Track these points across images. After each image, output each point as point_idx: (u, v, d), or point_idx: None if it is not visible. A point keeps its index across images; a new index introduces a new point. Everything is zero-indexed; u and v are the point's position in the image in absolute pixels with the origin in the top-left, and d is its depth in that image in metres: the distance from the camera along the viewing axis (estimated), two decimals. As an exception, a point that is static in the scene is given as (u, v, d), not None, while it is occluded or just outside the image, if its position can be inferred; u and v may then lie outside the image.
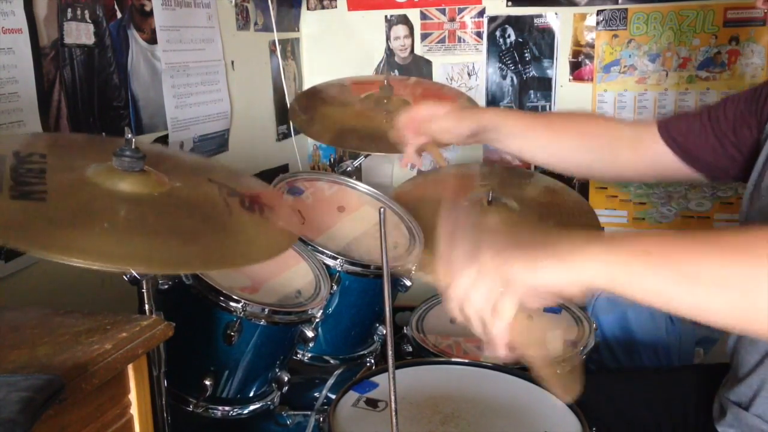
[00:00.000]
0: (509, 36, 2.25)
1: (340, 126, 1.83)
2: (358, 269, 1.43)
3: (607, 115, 2.12)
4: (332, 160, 2.51)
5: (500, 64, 2.27)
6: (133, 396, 0.86)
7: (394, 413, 0.87)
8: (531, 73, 2.25)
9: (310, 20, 2.43)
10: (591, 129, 1.21)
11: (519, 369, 1.28)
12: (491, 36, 2.26)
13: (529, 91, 2.26)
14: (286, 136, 2.30)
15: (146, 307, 1.01)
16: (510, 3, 2.22)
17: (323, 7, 2.41)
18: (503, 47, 2.26)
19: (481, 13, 2.26)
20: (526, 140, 1.22)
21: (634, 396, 1.23)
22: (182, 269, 1.01)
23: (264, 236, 1.05)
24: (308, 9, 2.42)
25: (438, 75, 2.34)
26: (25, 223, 0.83)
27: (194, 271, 1.13)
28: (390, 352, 0.86)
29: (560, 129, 1.23)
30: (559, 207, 1.94)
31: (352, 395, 1.18)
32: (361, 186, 1.71)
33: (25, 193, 0.87)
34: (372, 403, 1.15)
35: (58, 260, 0.77)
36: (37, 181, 0.91)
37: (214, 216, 1.01)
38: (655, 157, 1.14)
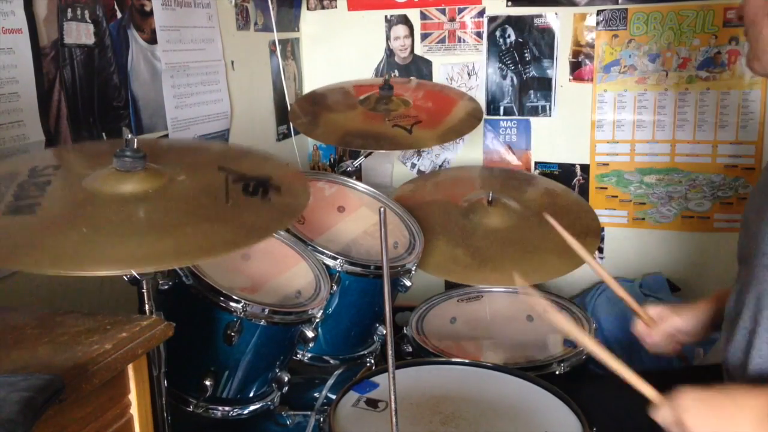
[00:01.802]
0: (509, 36, 2.24)
1: (344, 131, 1.83)
2: (358, 269, 1.43)
3: None
4: (332, 160, 2.51)
5: (500, 64, 2.27)
6: (133, 396, 0.86)
7: (394, 413, 0.87)
8: (531, 73, 2.25)
9: (310, 20, 2.42)
10: None
11: (519, 369, 1.28)
12: (491, 36, 2.26)
13: (529, 91, 2.26)
14: (286, 136, 2.29)
15: (146, 307, 1.01)
16: (510, 3, 2.22)
17: (323, 7, 2.41)
18: (503, 47, 2.26)
19: (481, 13, 2.25)
20: None
21: (634, 400, 1.24)
22: (154, 265, 0.98)
23: (255, 220, 1.00)
24: (308, 9, 2.42)
25: (438, 75, 2.34)
26: (6, 237, 0.84)
27: (167, 267, 1.10)
28: (390, 352, 0.86)
29: None
30: (559, 208, 1.94)
31: (352, 395, 1.18)
32: (361, 186, 1.71)
33: (17, 209, 0.88)
34: (372, 403, 1.16)
35: (26, 269, 0.79)
36: (37, 194, 0.91)
37: (207, 206, 0.99)
38: None
